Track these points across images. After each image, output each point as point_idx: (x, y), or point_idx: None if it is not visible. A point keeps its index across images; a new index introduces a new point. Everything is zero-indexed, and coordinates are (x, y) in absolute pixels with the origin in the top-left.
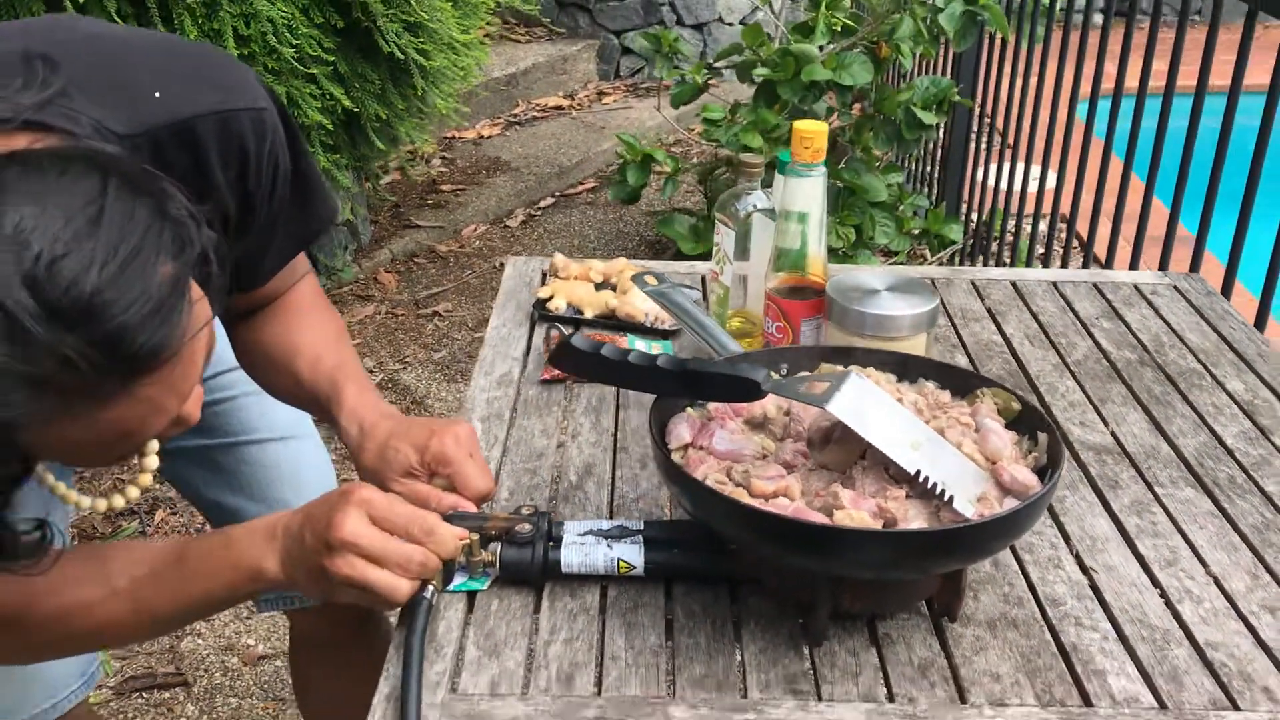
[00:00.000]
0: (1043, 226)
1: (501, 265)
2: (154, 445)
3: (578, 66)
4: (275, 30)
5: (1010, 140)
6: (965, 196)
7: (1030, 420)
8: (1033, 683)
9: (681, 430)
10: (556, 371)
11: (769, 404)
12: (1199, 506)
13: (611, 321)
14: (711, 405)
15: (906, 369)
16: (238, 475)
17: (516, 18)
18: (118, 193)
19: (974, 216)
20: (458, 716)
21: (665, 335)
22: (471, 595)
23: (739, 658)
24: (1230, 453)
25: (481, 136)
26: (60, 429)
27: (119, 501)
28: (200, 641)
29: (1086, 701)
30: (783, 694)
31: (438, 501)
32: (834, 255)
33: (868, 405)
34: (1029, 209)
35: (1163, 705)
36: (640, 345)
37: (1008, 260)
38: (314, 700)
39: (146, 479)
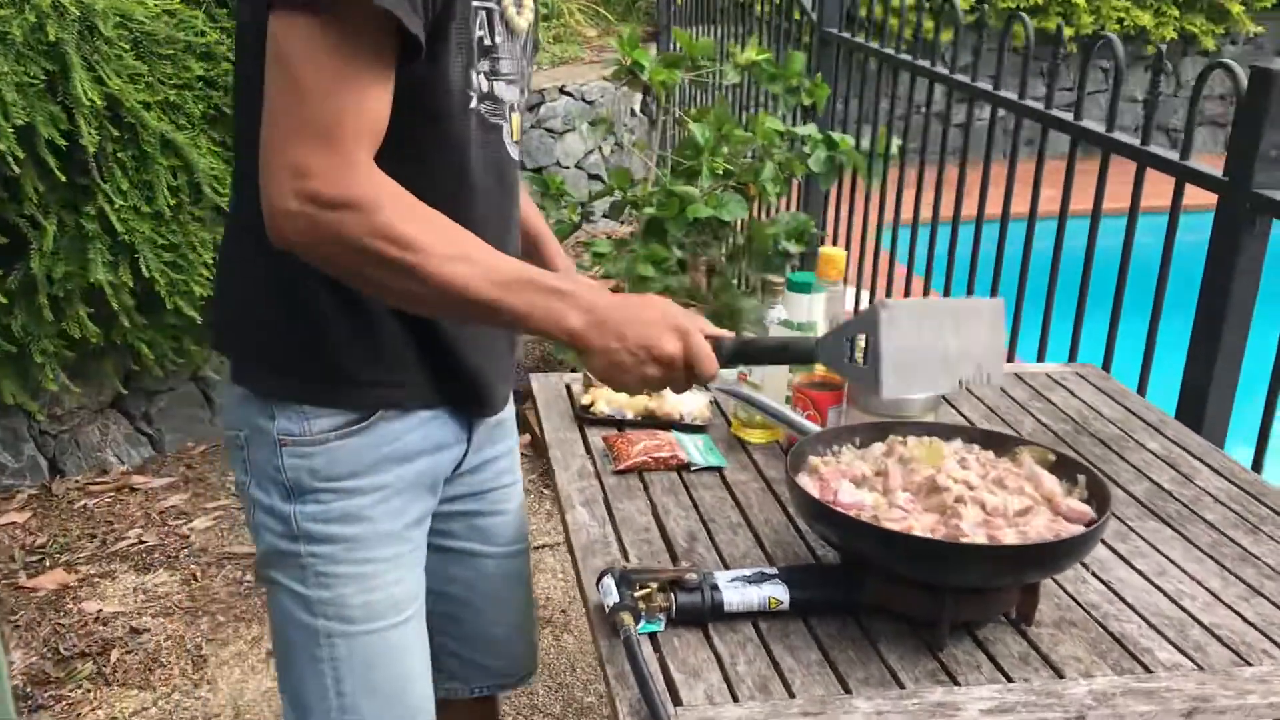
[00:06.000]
0: None
1: None
2: None
3: None
4: None
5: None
6: None
7: (1067, 467)
8: (1105, 660)
9: (810, 490)
10: (624, 465)
11: (867, 468)
12: (1163, 534)
13: (652, 420)
14: (823, 470)
15: (954, 435)
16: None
17: None
18: None
19: None
20: None
21: (701, 429)
22: (652, 636)
23: (885, 665)
24: (1169, 494)
25: None
26: None
27: None
28: None
29: (1147, 669)
30: (931, 684)
31: None
32: None
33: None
34: None
35: (1200, 667)
36: (685, 440)
37: None
38: None
39: None
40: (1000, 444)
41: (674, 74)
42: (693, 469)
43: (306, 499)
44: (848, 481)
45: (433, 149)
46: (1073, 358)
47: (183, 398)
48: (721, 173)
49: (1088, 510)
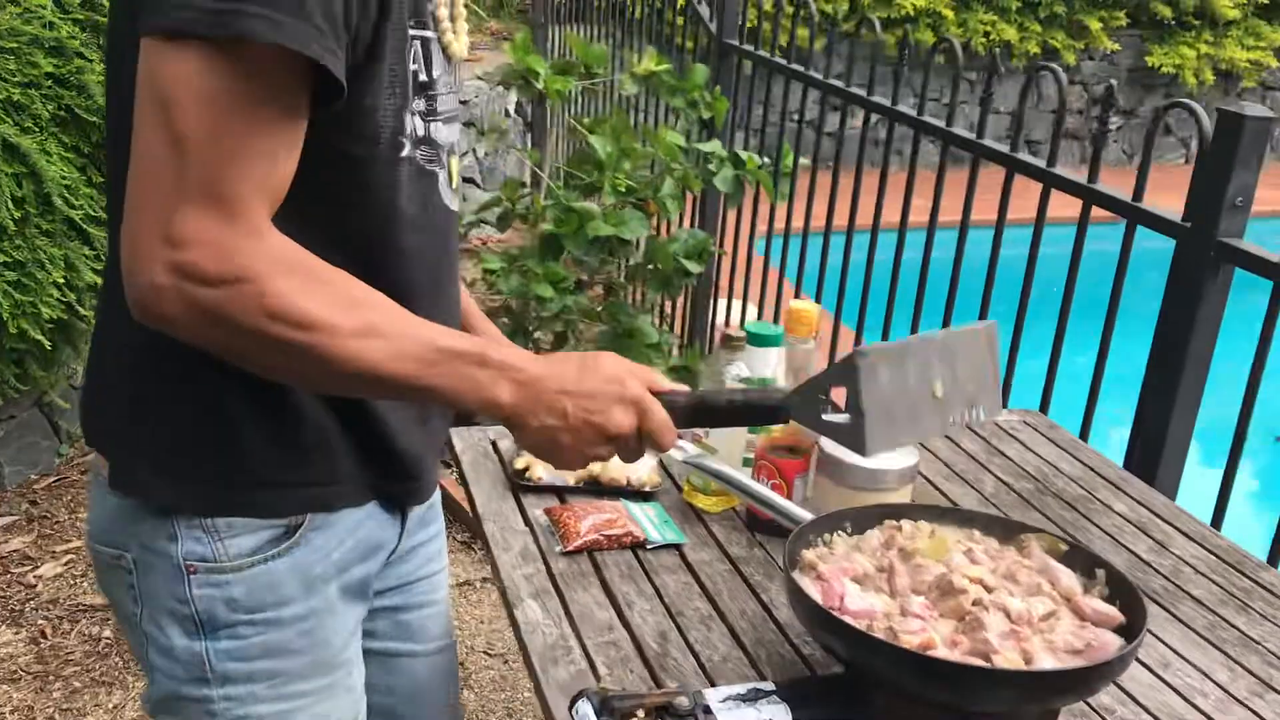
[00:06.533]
0: None
1: None
2: None
3: None
4: None
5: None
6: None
7: (1081, 558)
8: None
9: (812, 593)
10: (573, 545)
11: (868, 564)
12: (1155, 615)
13: (595, 487)
14: (821, 567)
15: (952, 519)
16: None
17: None
18: None
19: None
20: None
21: (649, 497)
22: None
23: None
24: (1149, 565)
25: None
26: None
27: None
28: None
29: None
30: None
31: None
32: None
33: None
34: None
35: None
36: (636, 511)
37: None
38: None
39: None
40: (1003, 530)
41: (568, 82)
42: (649, 547)
43: (221, 635)
44: (852, 583)
45: (353, 207)
46: (1006, 396)
47: (25, 425)
48: (625, 189)
49: (1113, 613)
